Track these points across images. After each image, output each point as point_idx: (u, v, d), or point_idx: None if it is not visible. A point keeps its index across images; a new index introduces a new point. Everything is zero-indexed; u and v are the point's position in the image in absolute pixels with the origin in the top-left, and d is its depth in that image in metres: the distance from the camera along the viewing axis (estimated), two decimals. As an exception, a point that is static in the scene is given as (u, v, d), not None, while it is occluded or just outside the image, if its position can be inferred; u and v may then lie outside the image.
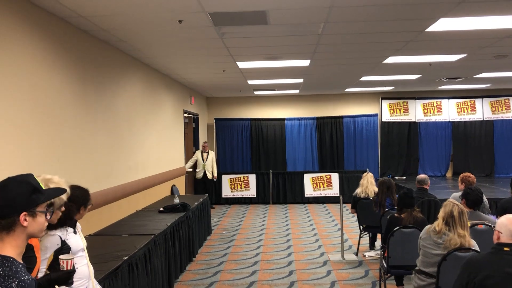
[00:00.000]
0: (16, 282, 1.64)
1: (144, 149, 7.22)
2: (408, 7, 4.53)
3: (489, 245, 3.62)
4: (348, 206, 9.86)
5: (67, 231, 2.83)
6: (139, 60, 6.97)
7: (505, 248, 2.80)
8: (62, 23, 4.58)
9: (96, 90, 5.41)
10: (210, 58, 7.01)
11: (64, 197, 2.56)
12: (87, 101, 5.16)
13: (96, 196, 5.18)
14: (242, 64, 7.51)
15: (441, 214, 3.80)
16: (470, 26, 5.30)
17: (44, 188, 1.92)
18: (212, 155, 11.32)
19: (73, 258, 2.44)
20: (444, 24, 5.15)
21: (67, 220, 2.84)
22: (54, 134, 4.40)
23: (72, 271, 2.40)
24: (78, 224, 3.01)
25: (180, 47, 6.12)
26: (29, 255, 2.26)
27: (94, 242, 4.58)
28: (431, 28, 5.33)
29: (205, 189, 11.18)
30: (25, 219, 1.79)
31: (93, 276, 3.04)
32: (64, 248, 2.77)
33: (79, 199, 2.98)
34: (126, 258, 4.03)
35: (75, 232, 2.91)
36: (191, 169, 11.23)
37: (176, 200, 6.94)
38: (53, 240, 2.73)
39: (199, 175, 11.22)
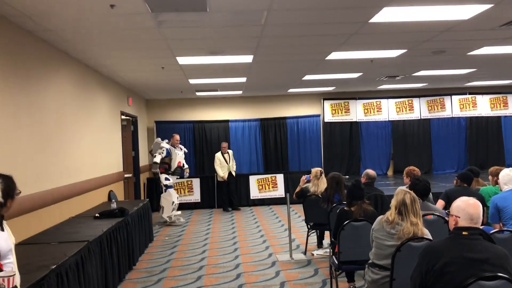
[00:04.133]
0: None
1: (77, 151, 6.67)
2: (352, -5, 4.42)
3: (439, 235, 3.55)
4: (294, 206, 9.77)
5: None
6: (69, 54, 6.44)
7: (463, 232, 2.68)
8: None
9: (19, 83, 4.88)
10: (147, 52, 6.62)
11: None
12: (7, 93, 4.63)
13: (21, 201, 4.64)
14: (182, 60, 7.16)
15: (393, 203, 3.68)
16: (412, 17, 5.30)
17: None
18: (231, 153, 11.48)
19: (14, 275, 2.22)
20: (387, 14, 5.10)
21: None
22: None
23: None
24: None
25: (114, 38, 5.69)
26: None
27: (18, 252, 4.05)
28: (374, 19, 5.27)
29: (229, 190, 11.35)
30: None
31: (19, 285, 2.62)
32: None
33: (4, 190, 2.54)
34: (54, 267, 3.59)
35: (2, 229, 2.48)
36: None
37: (114, 206, 6.45)
38: None
39: (225, 176, 11.20)
